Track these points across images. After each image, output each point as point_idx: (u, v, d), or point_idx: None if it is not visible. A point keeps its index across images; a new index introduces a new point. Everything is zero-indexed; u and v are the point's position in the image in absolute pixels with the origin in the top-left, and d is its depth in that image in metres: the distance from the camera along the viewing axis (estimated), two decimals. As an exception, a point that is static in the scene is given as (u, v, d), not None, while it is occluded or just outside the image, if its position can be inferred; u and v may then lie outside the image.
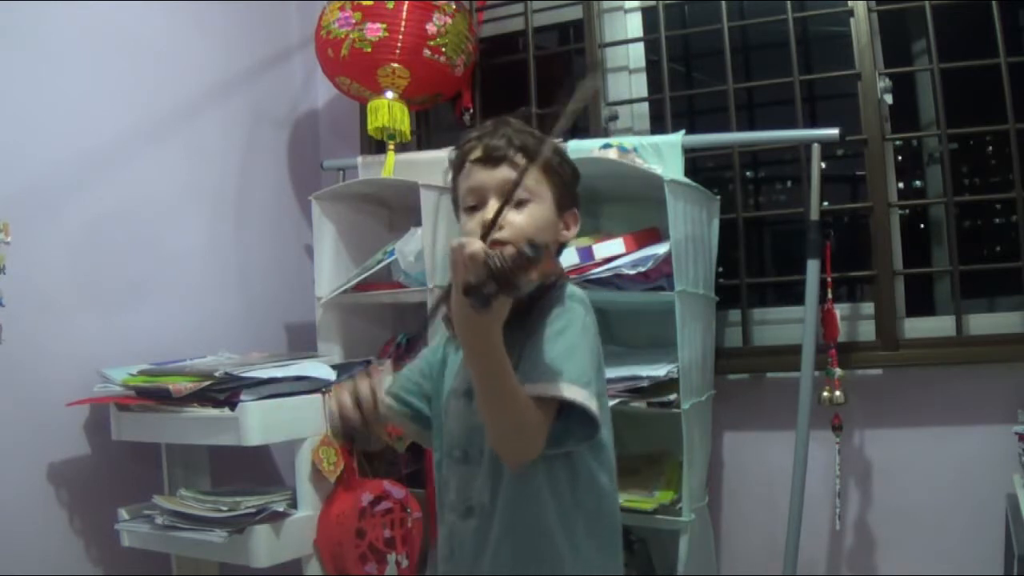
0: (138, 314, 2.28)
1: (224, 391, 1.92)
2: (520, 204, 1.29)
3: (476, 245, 1.04)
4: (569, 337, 1.23)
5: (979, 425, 2.14)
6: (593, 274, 2.03)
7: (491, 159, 1.30)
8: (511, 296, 1.06)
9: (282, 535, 1.93)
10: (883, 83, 2.23)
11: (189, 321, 2.40)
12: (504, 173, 1.29)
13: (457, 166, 1.36)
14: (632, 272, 1.99)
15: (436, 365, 1.41)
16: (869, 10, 2.24)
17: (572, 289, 1.31)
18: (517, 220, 1.27)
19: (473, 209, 1.31)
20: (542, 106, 2.55)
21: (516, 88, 2.60)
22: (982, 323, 2.20)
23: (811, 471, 2.09)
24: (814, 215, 2.11)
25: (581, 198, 1.39)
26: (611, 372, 1.73)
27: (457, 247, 1.05)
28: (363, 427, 1.25)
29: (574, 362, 1.21)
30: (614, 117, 2.54)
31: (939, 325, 2.25)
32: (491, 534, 1.27)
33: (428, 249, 2.21)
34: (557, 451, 1.23)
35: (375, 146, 2.64)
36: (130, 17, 2.32)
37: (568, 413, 1.19)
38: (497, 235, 1.21)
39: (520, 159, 1.29)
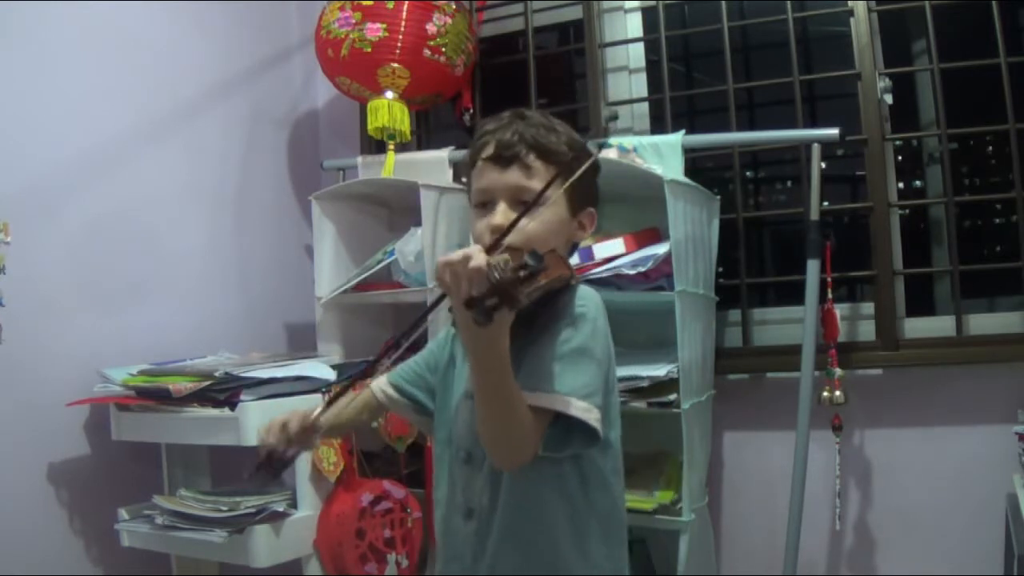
0: (138, 314, 2.28)
1: (224, 391, 1.92)
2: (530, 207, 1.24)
3: (480, 259, 1.01)
4: (574, 344, 1.21)
5: (979, 425, 2.14)
6: (593, 274, 2.03)
7: (502, 158, 1.25)
8: (513, 309, 1.02)
9: (282, 535, 1.93)
10: (883, 83, 2.23)
11: (189, 321, 2.40)
12: (514, 175, 1.25)
13: (470, 162, 1.32)
14: (632, 272, 1.99)
15: (443, 361, 1.39)
16: (869, 10, 2.24)
17: (583, 291, 1.27)
18: (526, 226, 1.21)
19: (482, 207, 1.28)
20: (542, 107, 2.55)
21: (516, 88, 2.60)
22: (982, 323, 2.20)
23: (811, 471, 2.09)
24: (814, 215, 2.11)
25: None
26: (611, 372, 1.73)
27: (459, 259, 1.02)
28: (285, 454, 1.25)
29: (576, 372, 1.19)
30: (614, 117, 2.54)
31: (939, 325, 2.25)
32: (489, 538, 1.26)
33: (428, 249, 2.21)
34: (558, 455, 1.22)
35: (375, 146, 2.64)
36: (130, 17, 2.32)
37: (568, 419, 1.18)
38: (505, 240, 1.17)
39: (533, 159, 1.25)
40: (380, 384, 1.43)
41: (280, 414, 1.29)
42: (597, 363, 1.23)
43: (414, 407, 1.41)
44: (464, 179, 1.35)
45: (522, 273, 1.01)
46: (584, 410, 1.18)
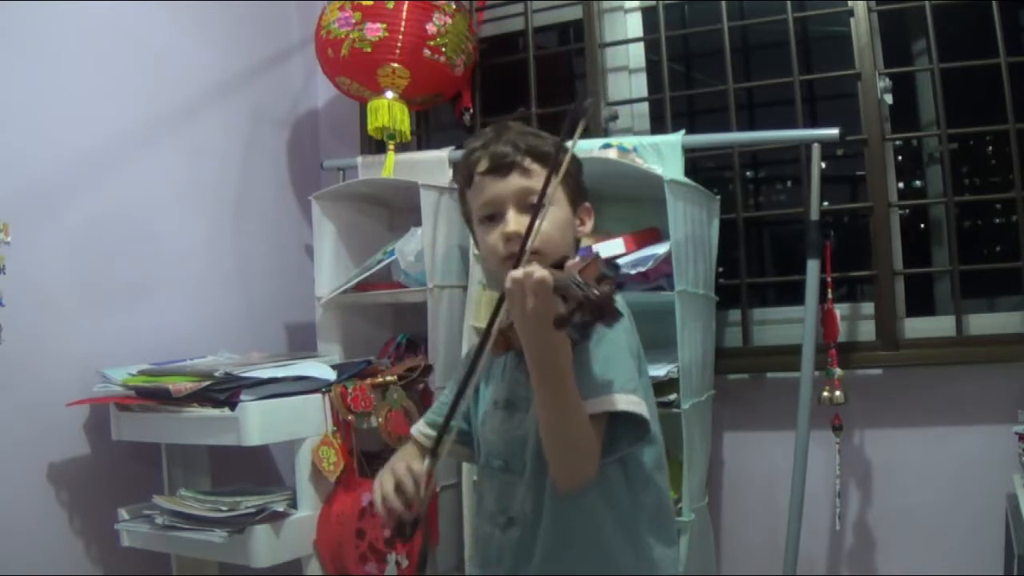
0: (138, 314, 2.27)
1: (224, 391, 1.92)
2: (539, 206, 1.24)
3: (542, 272, 1.03)
4: (608, 344, 1.21)
5: (979, 425, 2.14)
6: (593, 274, 2.03)
7: (501, 168, 1.27)
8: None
9: (282, 535, 1.93)
10: (883, 83, 2.23)
11: (189, 321, 2.40)
12: (516, 181, 1.27)
13: (465, 180, 1.33)
14: (632, 272, 1.99)
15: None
16: (869, 10, 2.24)
17: None
18: (541, 227, 1.20)
19: (490, 220, 1.29)
20: (542, 106, 2.55)
21: (516, 88, 2.60)
22: (982, 323, 2.20)
23: (811, 471, 2.09)
24: (814, 215, 2.11)
25: None
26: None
27: (524, 275, 1.04)
28: (413, 514, 1.22)
29: (617, 369, 1.20)
30: (614, 117, 2.54)
31: (939, 325, 2.25)
32: (536, 545, 1.26)
33: (428, 249, 2.21)
34: (610, 459, 1.22)
35: (375, 146, 2.64)
36: (130, 17, 2.32)
37: (615, 420, 1.19)
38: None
39: (529, 163, 1.27)
40: (419, 428, 1.42)
41: (384, 479, 1.26)
42: (630, 356, 1.24)
43: (457, 439, 1.36)
44: (456, 190, 1.36)
45: (612, 288, 1.01)
46: (634, 404, 1.19)
